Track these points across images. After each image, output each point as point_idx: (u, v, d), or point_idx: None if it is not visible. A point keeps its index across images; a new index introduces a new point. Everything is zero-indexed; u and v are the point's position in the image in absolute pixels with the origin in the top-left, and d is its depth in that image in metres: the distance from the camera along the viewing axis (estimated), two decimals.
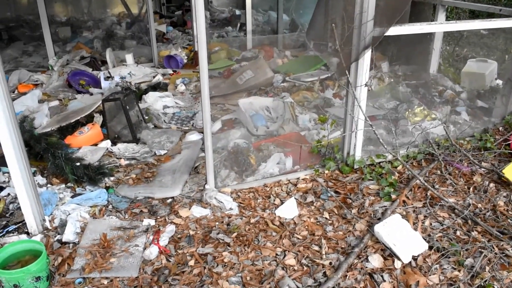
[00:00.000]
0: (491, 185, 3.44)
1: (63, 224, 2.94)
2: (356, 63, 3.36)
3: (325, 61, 5.57)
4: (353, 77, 3.41)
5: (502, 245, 2.76)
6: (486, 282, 2.46)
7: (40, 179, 3.49)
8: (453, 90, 5.13)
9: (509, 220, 3.03)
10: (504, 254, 2.69)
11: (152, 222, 3.01)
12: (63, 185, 3.44)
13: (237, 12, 10.40)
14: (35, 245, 2.57)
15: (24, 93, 5.56)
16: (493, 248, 2.73)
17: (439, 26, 4.01)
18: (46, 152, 3.57)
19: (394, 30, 3.30)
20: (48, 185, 3.45)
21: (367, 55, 3.30)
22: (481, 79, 5.12)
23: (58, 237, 2.86)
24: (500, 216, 3.06)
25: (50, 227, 2.95)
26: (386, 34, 3.26)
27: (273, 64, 6.22)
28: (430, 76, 5.53)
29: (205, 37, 2.78)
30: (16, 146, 2.63)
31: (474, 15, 8.15)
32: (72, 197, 3.29)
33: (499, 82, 5.09)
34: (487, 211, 3.14)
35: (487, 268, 2.58)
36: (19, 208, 2.91)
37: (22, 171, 2.70)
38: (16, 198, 2.95)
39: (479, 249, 2.73)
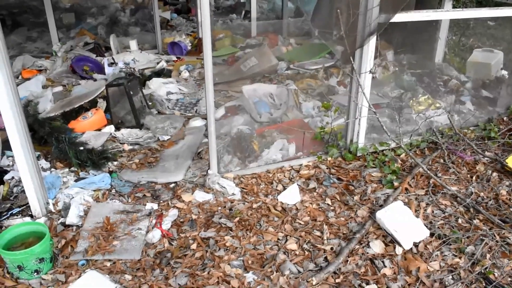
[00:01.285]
0: (494, 174, 3.44)
1: (66, 207, 2.96)
2: (360, 50, 3.34)
3: (330, 49, 5.54)
4: (357, 63, 3.39)
5: (504, 233, 2.77)
6: (487, 270, 2.47)
7: (44, 163, 3.51)
8: (458, 80, 5.10)
9: (511, 209, 3.03)
10: (505, 242, 2.70)
11: (155, 206, 3.03)
12: (67, 169, 3.46)
13: None
14: (39, 227, 2.59)
15: (28, 79, 5.55)
16: (495, 236, 2.74)
17: (446, 13, 3.99)
18: (50, 137, 3.58)
19: (400, 17, 3.27)
20: (52, 169, 3.47)
21: (372, 41, 3.29)
22: (487, 69, 5.09)
23: (61, 220, 2.88)
24: (502, 205, 3.07)
25: (53, 210, 2.98)
26: (392, 20, 3.24)
27: (277, 51, 6.18)
28: (435, 65, 5.49)
29: (209, 23, 2.77)
30: (21, 131, 2.64)
31: (481, 5, 8.07)
32: (75, 181, 3.31)
33: (505, 72, 5.06)
34: (490, 200, 3.14)
35: (488, 256, 2.59)
36: (23, 191, 2.93)
37: (26, 155, 2.71)
38: (20, 181, 2.97)
39: (481, 237, 2.74)
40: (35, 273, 2.41)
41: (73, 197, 3.08)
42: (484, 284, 2.39)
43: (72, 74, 5.84)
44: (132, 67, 5.97)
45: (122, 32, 7.92)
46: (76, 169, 3.45)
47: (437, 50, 5.49)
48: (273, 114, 4.20)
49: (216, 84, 4.92)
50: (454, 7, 6.43)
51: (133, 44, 6.73)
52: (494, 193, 3.22)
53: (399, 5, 3.16)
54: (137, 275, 2.45)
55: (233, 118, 4.13)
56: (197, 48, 6.98)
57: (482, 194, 3.21)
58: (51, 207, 2.98)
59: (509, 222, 2.85)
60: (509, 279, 2.43)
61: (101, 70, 5.88)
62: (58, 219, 2.89)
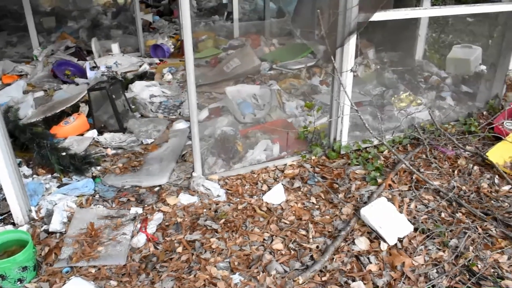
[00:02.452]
0: (475, 168, 3.49)
1: (49, 214, 2.93)
2: (341, 49, 3.37)
3: (312, 49, 5.57)
4: (338, 63, 3.41)
5: (486, 225, 2.81)
6: (470, 262, 2.50)
7: (26, 170, 3.47)
8: (438, 76, 5.17)
9: (492, 201, 3.08)
10: (487, 234, 2.74)
11: (139, 210, 3.01)
12: (49, 176, 3.42)
13: (224, 0, 10.31)
14: (22, 235, 2.56)
15: (9, 84, 5.48)
16: (477, 228, 2.78)
17: (424, 11, 4.04)
18: (31, 143, 3.53)
19: (379, 16, 3.31)
20: (34, 176, 3.42)
21: (352, 40, 3.31)
22: (466, 65, 5.16)
23: (44, 227, 2.85)
24: (483, 198, 3.12)
25: (36, 218, 2.94)
26: (371, 19, 3.27)
27: (260, 52, 6.20)
28: (416, 62, 5.56)
29: (190, 25, 2.76)
30: (1, 137, 2.60)
31: (460, 2, 8.17)
32: (58, 187, 3.27)
33: (484, 67, 5.14)
34: (471, 193, 3.19)
35: (471, 248, 2.62)
36: (4, 199, 2.89)
37: (7, 162, 2.67)
38: (1, 189, 2.93)
39: (463, 230, 2.78)
40: (19, 282, 2.38)
41: (56, 204, 3.04)
42: (468, 276, 2.43)
43: (53, 78, 5.78)
44: (114, 70, 5.92)
45: (104, 36, 7.85)
46: (58, 175, 3.41)
47: (417, 47, 5.57)
48: (257, 114, 4.20)
49: (199, 86, 4.93)
50: (433, 4, 6.51)
51: (115, 47, 6.67)
52: (476, 186, 3.27)
53: (377, 4, 3.19)
54: (123, 280, 2.43)
55: (217, 119, 4.13)
56: (180, 50, 6.95)
57: (464, 187, 3.26)
58: (33, 214, 2.95)
59: (491, 215, 2.90)
60: (492, 270, 2.47)
61: (83, 74, 5.83)
62: (41, 227, 2.86)
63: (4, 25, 7.82)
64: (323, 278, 2.42)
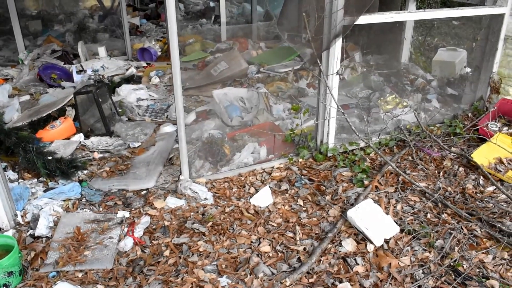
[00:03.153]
0: (461, 169, 3.54)
1: (35, 219, 2.90)
2: (327, 52, 3.39)
3: (299, 52, 5.60)
4: (324, 66, 3.44)
5: (471, 226, 2.85)
6: (456, 262, 2.53)
7: (12, 174, 3.44)
8: (424, 79, 5.23)
9: (477, 202, 3.12)
10: (472, 235, 2.78)
11: (126, 214, 3.00)
12: (35, 180, 3.39)
13: (212, 4, 10.32)
14: (7, 240, 2.54)
15: None
16: (462, 229, 2.82)
17: (408, 14, 4.09)
18: (17, 147, 3.50)
19: (364, 19, 3.34)
20: (20, 180, 3.40)
21: (338, 44, 3.34)
22: (451, 67, 5.24)
23: (30, 231, 2.82)
24: (469, 199, 3.16)
25: (22, 222, 2.91)
26: (356, 22, 3.30)
27: (247, 55, 6.21)
28: (402, 65, 5.62)
29: (176, 27, 2.77)
30: None
31: (445, 6, 8.28)
32: (44, 191, 3.25)
33: (468, 70, 5.21)
34: (457, 194, 3.23)
35: (457, 249, 2.66)
36: None
37: None
38: None
39: (449, 231, 2.81)
40: (4, 287, 2.35)
41: (42, 208, 3.02)
42: (453, 277, 2.45)
43: (39, 82, 5.74)
44: (101, 74, 5.89)
45: (90, 39, 7.81)
46: (44, 179, 3.38)
47: (403, 50, 5.63)
48: (244, 117, 4.21)
49: (187, 89, 4.93)
50: (419, 8, 6.59)
51: (101, 50, 6.64)
52: (461, 187, 3.31)
53: (362, 7, 3.23)
54: (110, 284, 2.42)
55: (204, 122, 4.13)
56: (167, 53, 6.94)
57: (449, 188, 3.30)
58: (19, 219, 2.92)
59: (476, 215, 2.94)
60: (477, 270, 2.50)
61: (69, 78, 5.79)
62: (27, 231, 2.83)
63: None
64: (310, 280, 2.43)
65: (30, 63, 6.26)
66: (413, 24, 5.55)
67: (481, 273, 2.47)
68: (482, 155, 3.63)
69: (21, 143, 3.50)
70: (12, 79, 5.90)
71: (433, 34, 6.73)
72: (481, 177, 3.41)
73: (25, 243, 2.73)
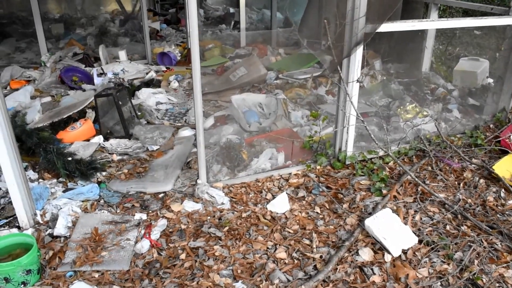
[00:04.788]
0: (481, 181, 3.47)
1: (54, 218, 2.94)
2: (348, 59, 3.38)
3: (318, 59, 5.59)
4: (345, 73, 3.42)
5: (491, 239, 2.79)
6: (475, 275, 2.48)
7: (32, 174, 3.48)
8: (445, 88, 5.17)
9: (498, 215, 3.06)
10: (492, 248, 2.72)
11: (143, 216, 3.02)
12: (55, 180, 3.44)
13: (231, 10, 10.39)
14: (26, 239, 2.57)
15: (17, 89, 5.52)
16: (482, 242, 2.76)
17: (430, 23, 4.04)
18: (38, 147, 3.56)
19: (386, 27, 3.32)
20: (40, 180, 3.44)
21: (359, 51, 3.32)
22: (473, 77, 5.17)
23: (49, 231, 2.85)
24: (489, 211, 3.10)
25: (41, 221, 2.95)
26: (378, 30, 3.28)
27: (266, 61, 6.23)
28: (422, 74, 5.57)
29: (197, 32, 2.78)
30: (8, 141, 2.62)
31: (467, 14, 8.20)
32: (63, 191, 3.28)
33: (491, 80, 5.14)
34: (477, 206, 3.17)
35: (476, 262, 2.60)
36: (10, 203, 2.91)
37: (14, 166, 2.69)
38: (7, 192, 2.94)
39: (468, 243, 2.76)
40: (22, 285, 2.38)
41: (61, 208, 3.05)
42: None
43: (60, 84, 5.83)
44: (121, 77, 5.96)
45: (111, 43, 7.92)
46: (64, 180, 3.43)
47: (424, 59, 5.57)
48: (262, 123, 4.21)
49: (205, 94, 4.96)
50: (440, 16, 6.53)
51: (122, 54, 6.72)
52: (481, 199, 3.25)
53: (385, 15, 3.20)
54: (126, 286, 2.43)
55: (222, 127, 4.14)
56: (187, 58, 7.00)
57: (469, 200, 3.24)
58: (38, 218, 2.95)
59: (496, 228, 2.88)
60: (497, 284, 2.45)
61: (90, 81, 5.87)
62: (46, 230, 2.86)
63: (13, 31, 7.91)
64: None
65: (52, 66, 6.37)
66: (434, 33, 5.50)
67: None
68: (504, 167, 3.56)
69: (42, 143, 3.56)
70: (34, 81, 6.01)
71: (455, 43, 6.66)
72: (503, 190, 3.35)
73: (44, 242, 2.76)
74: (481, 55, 5.89)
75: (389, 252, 2.65)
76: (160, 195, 3.29)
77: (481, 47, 6.64)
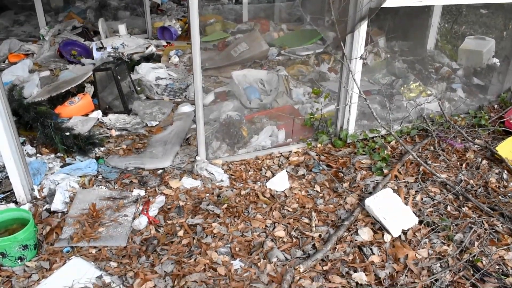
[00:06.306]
0: (484, 162, 3.43)
1: (52, 194, 2.91)
2: (351, 35, 3.30)
3: (322, 35, 5.49)
4: (348, 49, 3.35)
5: (492, 221, 2.76)
6: (475, 257, 2.46)
7: (30, 149, 3.45)
8: (449, 67, 5.08)
9: (500, 196, 3.03)
10: (493, 230, 2.69)
11: (142, 192, 2.99)
12: (53, 155, 3.40)
13: None
14: (23, 214, 2.55)
15: (15, 63, 5.46)
16: (483, 224, 2.73)
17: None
18: (35, 122, 3.51)
19: (392, 2, 3.22)
20: (38, 155, 3.41)
21: (363, 27, 3.24)
22: (479, 57, 5.07)
23: (46, 206, 2.84)
24: (491, 193, 3.06)
25: (38, 197, 2.93)
26: (383, 5, 3.19)
27: (268, 37, 6.12)
28: (427, 52, 5.47)
29: (197, 6, 2.70)
30: (4, 115, 2.57)
31: None
32: (61, 167, 3.25)
33: (496, 60, 5.04)
34: (479, 188, 3.13)
35: (476, 243, 2.58)
36: (7, 177, 2.87)
37: (10, 140, 2.65)
38: (4, 167, 2.91)
39: (469, 225, 2.73)
40: (19, 260, 2.37)
41: (58, 183, 3.03)
42: (471, 272, 2.38)
43: (59, 58, 5.75)
44: (120, 51, 5.87)
45: (111, 16, 7.80)
46: (62, 155, 3.39)
47: (429, 37, 5.46)
48: (263, 100, 4.15)
49: (206, 70, 4.88)
50: None
51: (122, 28, 6.61)
52: (484, 181, 3.21)
53: None
54: (123, 262, 2.41)
55: (223, 103, 4.09)
56: (187, 33, 6.88)
57: (471, 181, 3.20)
58: (36, 193, 2.93)
59: (498, 210, 2.85)
60: (497, 267, 2.43)
61: (89, 55, 5.79)
62: (43, 206, 2.84)
63: (11, 4, 7.78)
64: (325, 268, 2.39)
65: (51, 39, 6.27)
66: (440, 11, 5.37)
67: (500, 270, 2.40)
68: (507, 149, 3.51)
69: (40, 118, 3.52)
70: (33, 55, 5.93)
71: (461, 22, 6.52)
72: (505, 171, 3.31)
73: (41, 217, 2.74)
74: (487, 34, 5.77)
75: (388, 232, 2.63)
76: (159, 172, 3.26)
77: (487, 26, 6.51)
